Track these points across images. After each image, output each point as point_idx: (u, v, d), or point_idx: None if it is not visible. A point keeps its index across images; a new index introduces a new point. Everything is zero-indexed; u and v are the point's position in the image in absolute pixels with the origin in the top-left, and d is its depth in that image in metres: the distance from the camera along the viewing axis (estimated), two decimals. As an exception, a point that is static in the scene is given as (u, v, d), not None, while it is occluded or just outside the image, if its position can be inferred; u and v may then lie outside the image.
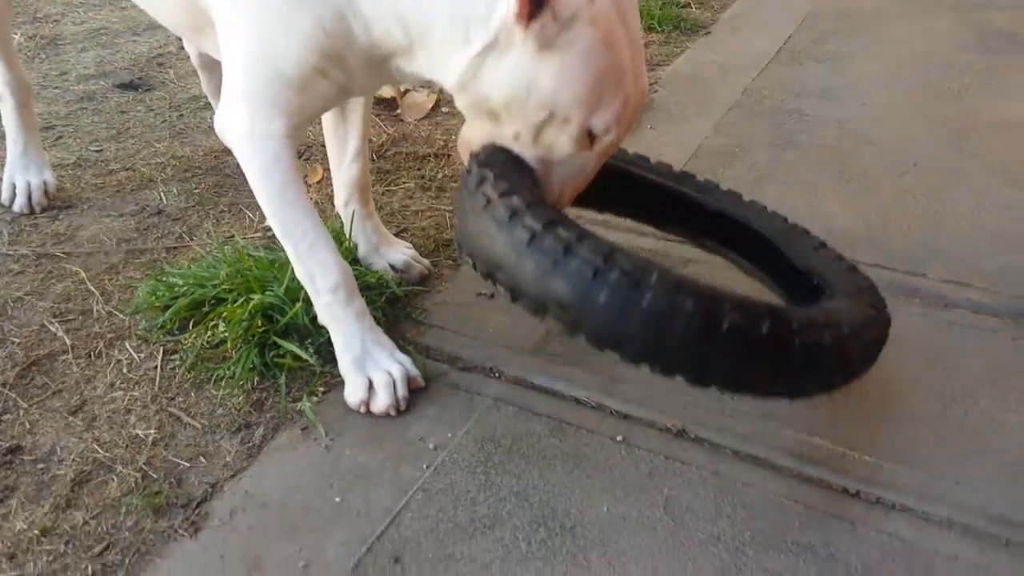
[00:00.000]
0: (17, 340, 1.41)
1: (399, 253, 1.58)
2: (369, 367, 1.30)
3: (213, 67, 1.89)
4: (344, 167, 1.54)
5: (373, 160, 1.92)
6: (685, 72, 2.44)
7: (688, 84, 2.36)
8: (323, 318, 1.33)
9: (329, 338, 1.35)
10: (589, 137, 1.15)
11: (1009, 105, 2.23)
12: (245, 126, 1.24)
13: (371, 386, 1.29)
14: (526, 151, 1.17)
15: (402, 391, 1.30)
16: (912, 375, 1.39)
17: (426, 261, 1.61)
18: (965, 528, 1.13)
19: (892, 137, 2.09)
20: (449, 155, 2.00)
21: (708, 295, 1.05)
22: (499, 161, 1.17)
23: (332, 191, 1.61)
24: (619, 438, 1.27)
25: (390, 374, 1.30)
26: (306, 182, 1.87)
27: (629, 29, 1.12)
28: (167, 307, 1.44)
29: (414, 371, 1.33)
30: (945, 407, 1.33)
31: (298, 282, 1.35)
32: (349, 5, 1.14)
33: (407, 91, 2.22)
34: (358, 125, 1.51)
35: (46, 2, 2.61)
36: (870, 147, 2.05)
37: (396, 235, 1.68)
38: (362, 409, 1.28)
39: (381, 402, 1.28)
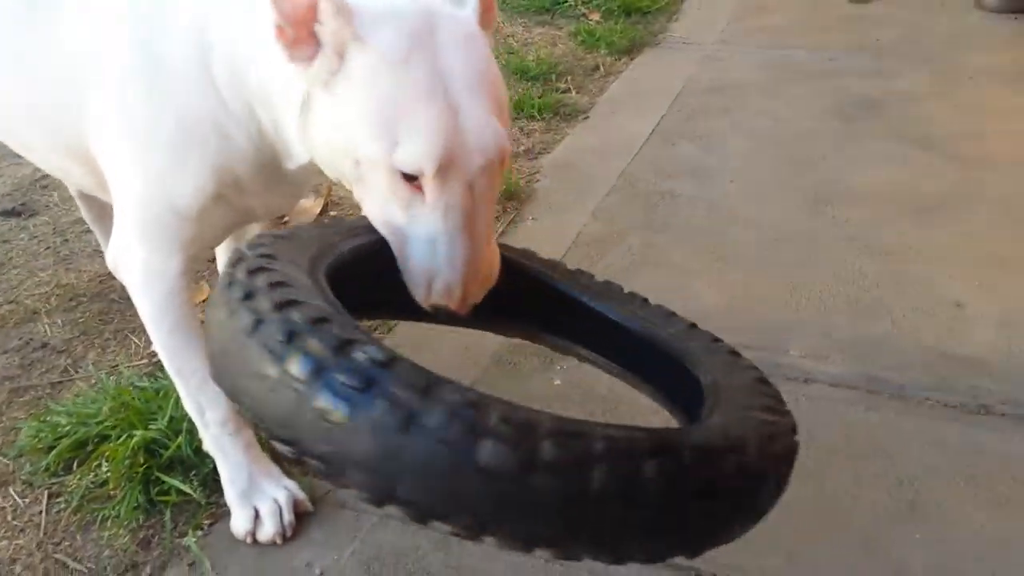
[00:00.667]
0: None
1: None
2: (255, 497, 1.33)
3: (93, 197, 1.90)
4: None
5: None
6: (564, 159, 2.55)
7: (567, 171, 2.47)
8: (210, 449, 1.35)
9: (215, 467, 1.37)
10: (411, 185, 0.99)
11: (865, 172, 2.40)
12: (139, 266, 1.24)
13: (257, 515, 1.32)
14: (376, 221, 1.04)
15: (288, 517, 1.32)
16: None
17: None
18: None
19: (758, 213, 2.22)
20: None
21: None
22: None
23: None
24: (501, 545, 1.32)
25: (276, 501, 1.33)
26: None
27: (439, 55, 0.99)
28: (51, 448, 1.44)
29: (300, 495, 1.36)
30: (801, 483, 1.42)
31: (182, 412, 1.37)
32: (226, 113, 1.13)
33: (295, 197, 2.27)
34: None
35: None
36: (737, 225, 2.17)
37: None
38: (248, 539, 1.31)
39: (267, 531, 1.31)
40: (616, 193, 2.34)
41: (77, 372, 1.68)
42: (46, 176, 2.35)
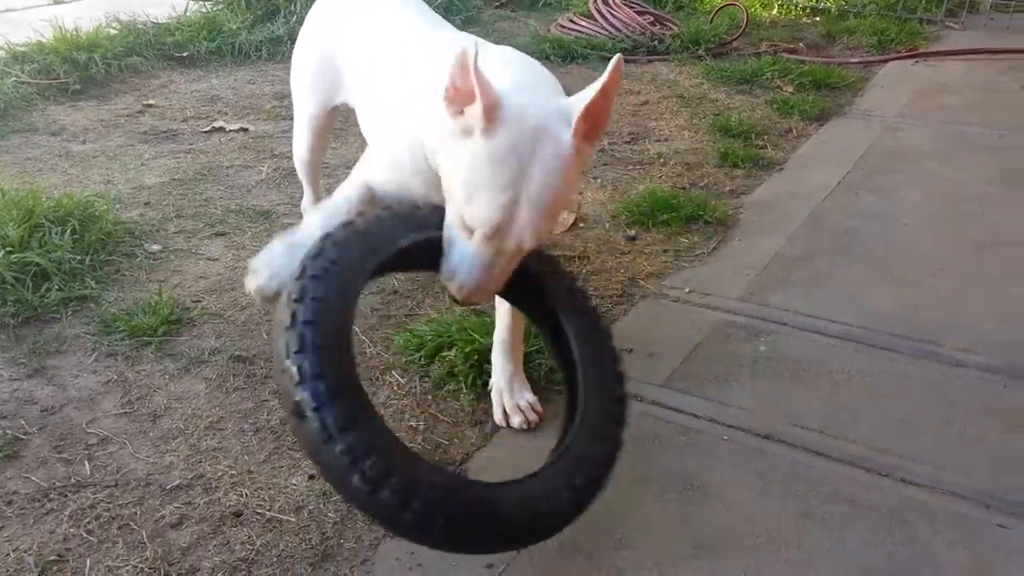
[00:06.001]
0: (322, 368, 2.15)
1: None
2: (505, 397, 1.96)
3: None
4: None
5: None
6: (764, 199, 3.16)
7: (766, 207, 3.07)
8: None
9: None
10: (467, 227, 1.42)
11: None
12: None
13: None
14: (451, 223, 1.47)
15: (532, 417, 1.94)
16: (916, 415, 2.02)
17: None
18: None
19: (927, 249, 2.74)
20: (588, 257, 2.73)
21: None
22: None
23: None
24: (725, 437, 1.92)
25: (518, 406, 1.95)
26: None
27: (525, 173, 1.36)
28: (419, 348, 2.16)
29: (538, 406, 1.96)
30: (948, 435, 1.95)
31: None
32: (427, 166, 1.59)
33: (553, 210, 2.97)
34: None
35: (279, 143, 3.50)
36: (908, 256, 2.71)
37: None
38: (503, 423, 1.94)
39: (514, 422, 1.93)
40: (806, 227, 2.91)
41: (420, 310, 2.41)
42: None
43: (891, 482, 1.80)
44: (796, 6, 5.95)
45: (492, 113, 1.36)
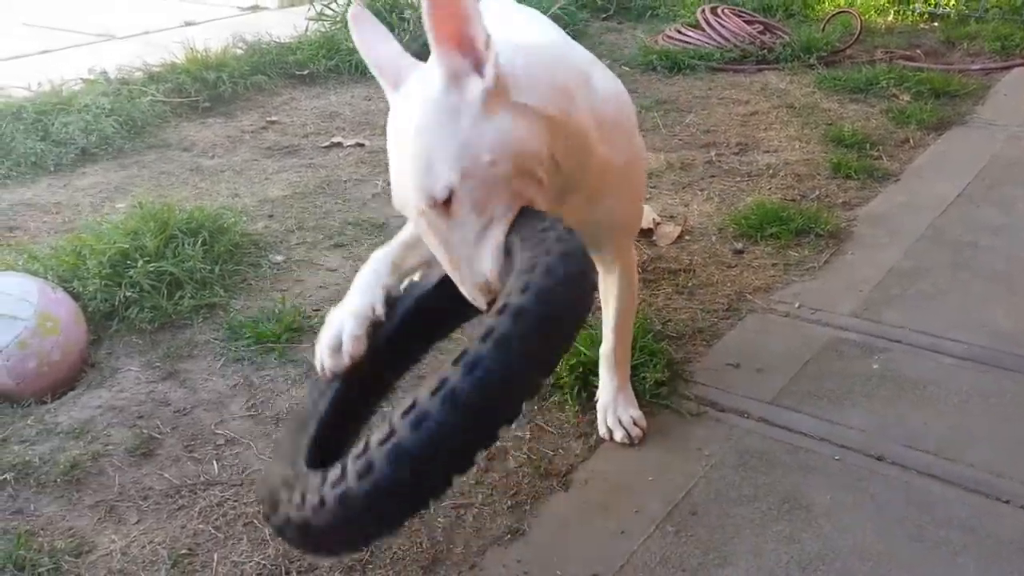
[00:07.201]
0: (433, 377, 2.22)
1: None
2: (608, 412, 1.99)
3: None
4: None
5: (639, 272, 2.64)
6: (879, 211, 3.07)
7: (881, 220, 2.99)
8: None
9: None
10: None
11: None
12: None
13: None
14: None
15: (635, 432, 1.95)
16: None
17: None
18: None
19: (1054, 265, 2.62)
20: (695, 270, 2.72)
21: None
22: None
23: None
24: (836, 457, 1.89)
25: (620, 420, 1.97)
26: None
27: (399, 136, 1.26)
28: (524, 361, 2.21)
29: (642, 422, 1.98)
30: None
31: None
32: None
33: (659, 223, 2.98)
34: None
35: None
36: (1034, 272, 2.59)
37: (663, 325, 2.40)
38: (607, 437, 1.96)
39: (616, 436, 1.95)
40: (925, 240, 2.82)
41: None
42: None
43: (1011, 508, 1.74)
44: (913, 12, 5.74)
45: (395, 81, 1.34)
